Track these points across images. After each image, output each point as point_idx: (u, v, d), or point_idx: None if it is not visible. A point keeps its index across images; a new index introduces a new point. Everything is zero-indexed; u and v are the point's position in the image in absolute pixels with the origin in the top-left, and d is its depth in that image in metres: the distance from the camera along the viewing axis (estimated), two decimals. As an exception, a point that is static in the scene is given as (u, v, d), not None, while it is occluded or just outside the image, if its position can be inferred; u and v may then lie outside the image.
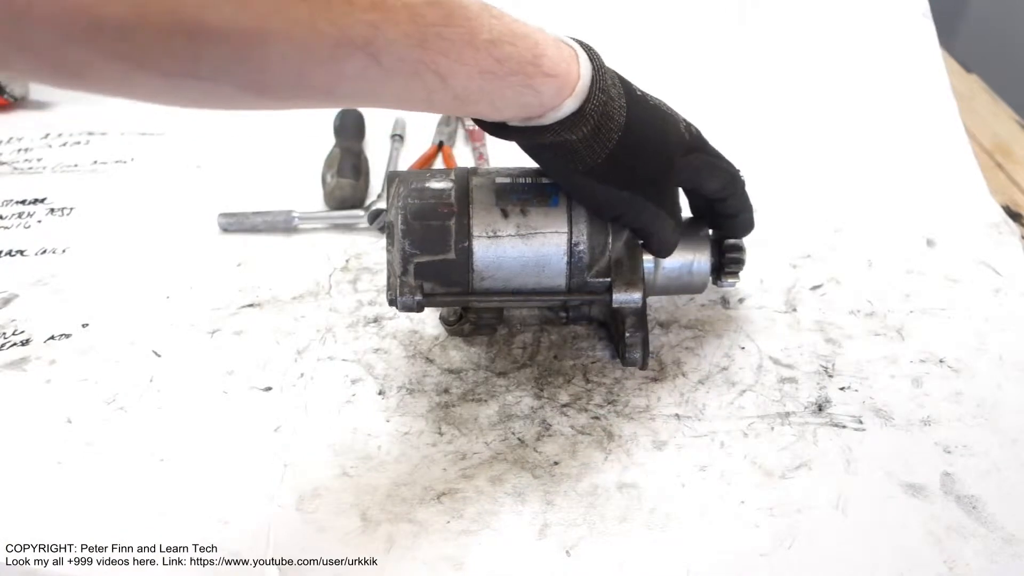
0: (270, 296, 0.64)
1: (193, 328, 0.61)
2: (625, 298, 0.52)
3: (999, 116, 0.93)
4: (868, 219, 0.73)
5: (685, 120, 0.52)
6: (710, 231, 0.58)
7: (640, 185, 0.49)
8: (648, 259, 0.55)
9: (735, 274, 0.59)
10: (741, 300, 0.64)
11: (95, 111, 0.90)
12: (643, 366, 0.57)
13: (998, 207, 0.75)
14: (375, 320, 0.62)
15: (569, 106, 0.45)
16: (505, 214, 0.51)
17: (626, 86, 0.48)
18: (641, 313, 0.56)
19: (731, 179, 0.55)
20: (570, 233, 0.51)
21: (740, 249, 0.58)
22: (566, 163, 0.47)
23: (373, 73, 0.38)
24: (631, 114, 0.47)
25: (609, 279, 0.52)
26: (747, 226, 0.58)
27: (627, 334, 0.56)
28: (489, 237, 0.50)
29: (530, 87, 0.43)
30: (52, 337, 0.60)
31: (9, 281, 0.66)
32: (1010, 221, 0.73)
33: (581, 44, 0.47)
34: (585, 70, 0.45)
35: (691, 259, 0.57)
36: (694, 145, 0.52)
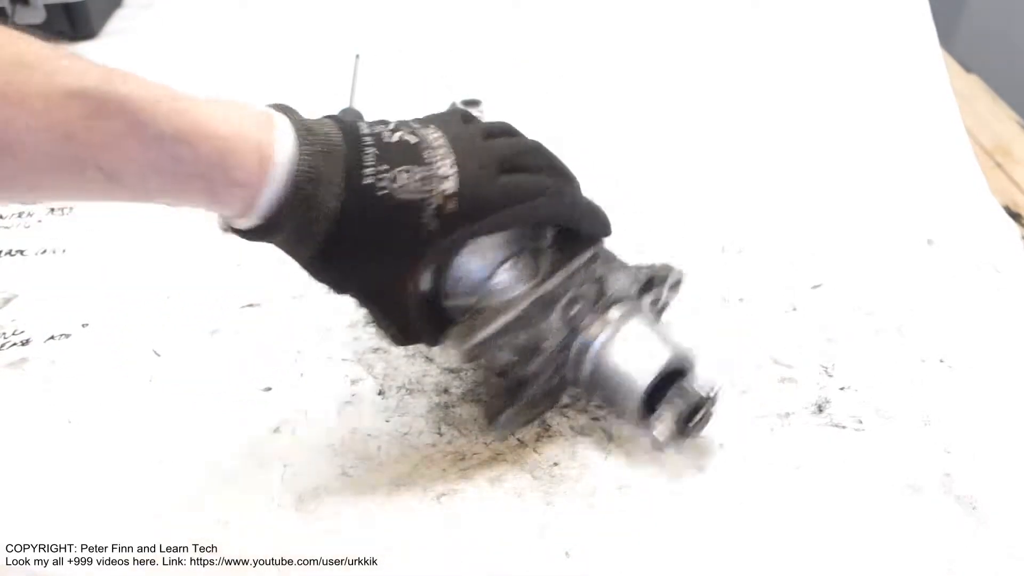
0: (270, 296, 0.64)
1: (193, 328, 0.61)
2: (452, 343, 0.47)
3: (999, 116, 0.93)
4: (869, 218, 0.73)
5: (448, 191, 0.43)
6: (663, 362, 0.48)
7: (355, 289, 0.46)
8: (597, 340, 0.49)
9: (663, 436, 0.48)
10: (741, 299, 0.64)
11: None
12: (491, 426, 0.51)
13: (999, 206, 0.75)
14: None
15: (253, 220, 0.42)
16: None
17: (352, 176, 0.42)
18: (520, 379, 0.50)
19: (537, 211, 0.47)
20: None
21: (681, 405, 0.48)
22: (288, 252, 0.44)
23: (12, 168, 0.36)
24: (347, 213, 0.42)
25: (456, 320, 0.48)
26: (596, 231, 0.51)
27: (491, 392, 0.51)
28: None
29: (214, 193, 0.40)
30: (52, 337, 0.60)
31: (9, 281, 0.66)
32: (1011, 220, 0.73)
33: (302, 132, 0.41)
34: (278, 177, 0.40)
35: (617, 385, 0.49)
36: (452, 226, 0.44)
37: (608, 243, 0.53)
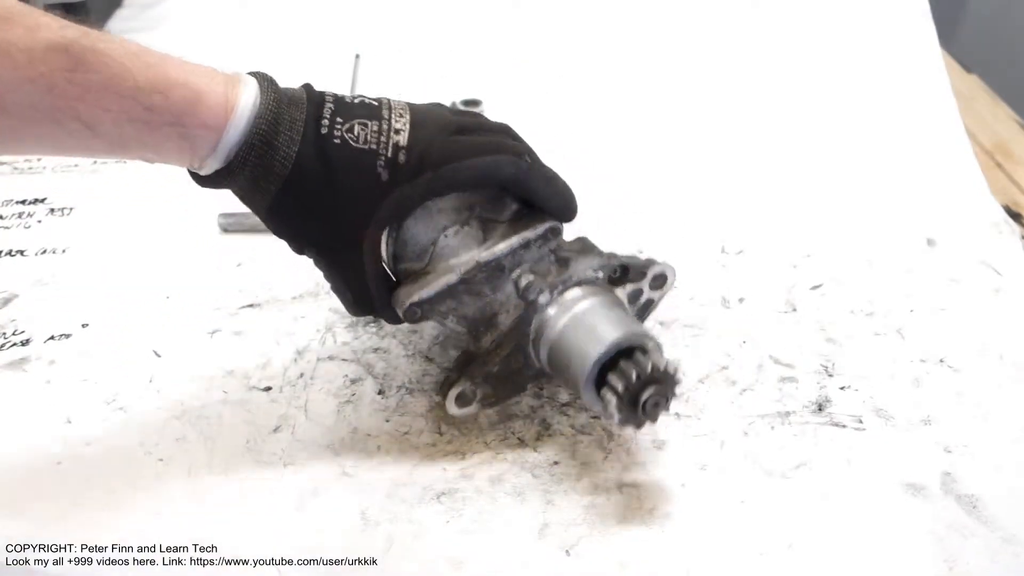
0: (270, 296, 0.64)
1: (193, 328, 0.61)
2: (395, 304, 0.48)
3: (999, 116, 0.93)
4: (868, 218, 0.73)
5: (400, 143, 0.45)
6: (619, 334, 0.46)
7: (312, 243, 0.47)
8: (552, 318, 0.48)
9: (610, 405, 0.45)
10: (741, 300, 0.64)
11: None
12: (443, 400, 0.51)
13: (999, 207, 0.75)
14: (374, 319, 0.62)
15: (217, 162, 0.44)
16: None
17: (310, 126, 0.44)
18: (472, 354, 0.49)
19: (492, 168, 0.47)
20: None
21: (638, 377, 0.44)
22: (248, 201, 0.46)
23: (1, 123, 0.39)
24: (304, 159, 0.44)
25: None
26: (558, 214, 0.50)
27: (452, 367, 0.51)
28: None
29: (184, 137, 0.42)
30: (52, 337, 0.60)
31: (9, 281, 0.66)
32: (1010, 221, 0.73)
33: (265, 84, 0.45)
34: (241, 118, 0.43)
35: (569, 362, 0.47)
36: (403, 178, 0.45)
37: (608, 243, 0.54)
